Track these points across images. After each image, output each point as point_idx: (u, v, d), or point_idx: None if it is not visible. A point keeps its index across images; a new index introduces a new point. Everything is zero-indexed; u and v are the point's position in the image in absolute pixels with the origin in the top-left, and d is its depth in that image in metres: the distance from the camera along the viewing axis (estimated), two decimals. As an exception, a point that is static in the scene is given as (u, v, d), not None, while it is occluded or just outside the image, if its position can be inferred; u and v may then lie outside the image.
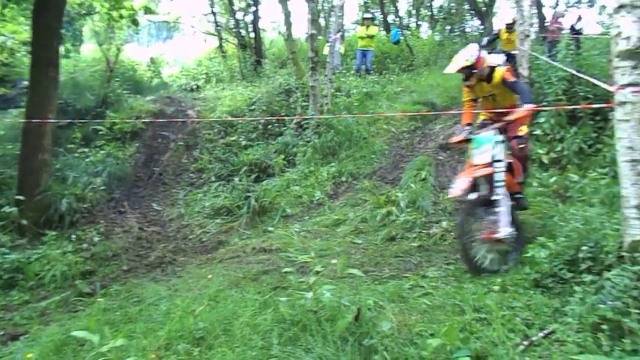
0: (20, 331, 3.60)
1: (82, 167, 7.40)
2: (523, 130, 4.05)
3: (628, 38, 2.79)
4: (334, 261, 3.57)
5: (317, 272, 3.14)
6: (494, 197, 3.83)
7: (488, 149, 3.93)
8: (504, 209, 3.81)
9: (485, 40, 8.09)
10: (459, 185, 3.85)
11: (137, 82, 12.56)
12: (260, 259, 4.38)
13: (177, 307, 3.18)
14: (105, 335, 2.42)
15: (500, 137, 3.99)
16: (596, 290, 2.78)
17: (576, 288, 2.85)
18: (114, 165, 7.64)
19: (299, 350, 2.45)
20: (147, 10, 12.31)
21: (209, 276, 4.06)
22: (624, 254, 2.72)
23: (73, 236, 5.60)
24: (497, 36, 8.37)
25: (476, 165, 3.97)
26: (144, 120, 8.68)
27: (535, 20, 11.09)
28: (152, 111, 9.81)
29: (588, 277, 2.88)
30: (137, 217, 6.53)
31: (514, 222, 3.94)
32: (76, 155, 7.75)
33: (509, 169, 4.02)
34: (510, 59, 7.17)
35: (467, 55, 4.16)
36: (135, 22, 11.21)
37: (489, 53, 6.07)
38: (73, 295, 4.22)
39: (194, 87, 12.98)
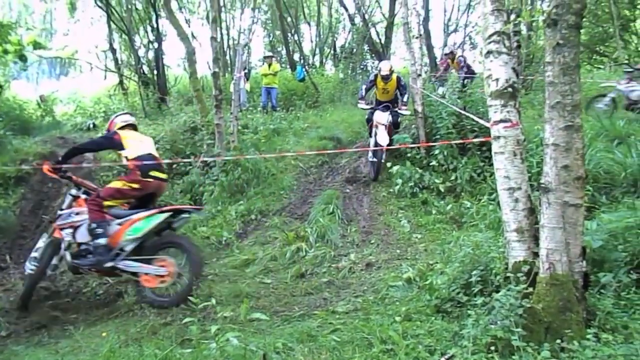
0: None
1: (-47, 219, 6.51)
2: None
3: (497, 80, 3.11)
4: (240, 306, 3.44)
5: (224, 319, 3.00)
6: None
7: None
8: None
9: (363, 89, 8.00)
10: None
11: (24, 122, 11.55)
12: (160, 311, 4.09)
13: (63, 373, 2.83)
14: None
15: None
16: (488, 311, 2.96)
17: (470, 311, 3.00)
18: (-6, 215, 6.82)
19: (200, 409, 2.28)
20: (37, 45, 11.52)
21: (103, 334, 3.69)
22: (509, 274, 2.93)
23: (-62, 300, 4.83)
24: (373, 84, 8.02)
25: None
26: (27, 167, 7.90)
27: (427, 60, 12.07)
28: (42, 153, 8.98)
29: (480, 299, 3.06)
30: (21, 272, 5.81)
31: None
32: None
33: None
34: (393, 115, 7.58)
35: None
36: (22, 58, 10.40)
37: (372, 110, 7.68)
38: None
39: (91, 125, 12.18)
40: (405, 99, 7.77)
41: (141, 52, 14.69)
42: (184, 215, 4.58)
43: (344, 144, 9.12)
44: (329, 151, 8.24)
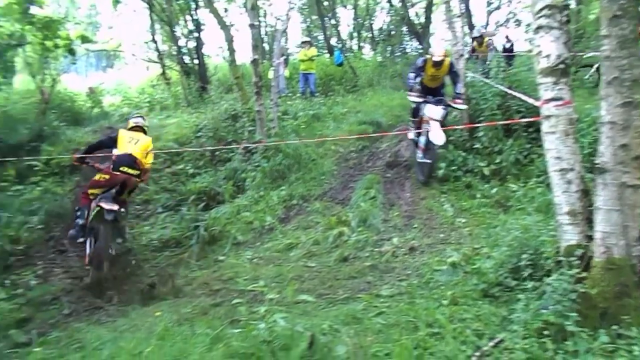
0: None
1: (16, 205, 6.94)
2: None
3: (548, 56, 2.99)
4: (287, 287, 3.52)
5: (270, 300, 3.07)
6: None
7: None
8: None
9: (412, 78, 6.66)
10: None
11: (75, 113, 12.06)
12: (211, 291, 4.24)
13: (122, 350, 3.00)
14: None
15: None
16: (538, 296, 2.90)
17: (520, 295, 2.95)
18: (52, 202, 7.22)
19: (252, 385, 2.37)
20: (84, 39, 11.97)
21: (157, 313, 3.88)
22: (561, 258, 2.85)
23: (7, 281, 5.19)
24: (422, 70, 6.72)
25: None
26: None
27: (469, 40, 11.69)
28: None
29: (530, 284, 3.00)
30: (79, 255, 6.16)
31: None
32: (9, 193, 7.26)
33: None
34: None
35: None
36: (71, 52, 10.87)
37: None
38: (6, 347, 3.88)
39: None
40: (459, 89, 6.65)
41: (182, 42, 14.96)
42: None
43: (384, 128, 9.03)
44: (369, 134, 8.18)
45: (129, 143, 5.47)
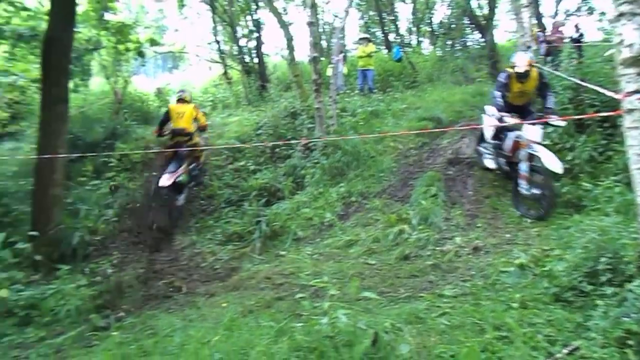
0: (37, 369, 3.58)
1: (93, 199, 7.48)
2: None
3: (631, 45, 2.78)
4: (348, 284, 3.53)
5: (332, 296, 3.10)
6: None
7: None
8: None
9: (498, 98, 5.68)
10: None
11: (145, 113, 12.73)
12: (274, 285, 4.34)
13: (192, 338, 3.15)
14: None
15: None
16: (619, 302, 2.72)
17: (598, 301, 2.79)
18: (125, 196, 7.71)
19: (317, 379, 2.41)
20: (153, 42, 12.61)
21: (223, 305, 4.03)
22: (644, 263, 2.66)
23: (86, 269, 5.61)
24: (506, 87, 5.78)
25: None
26: (152, 151, 8.76)
27: (537, 30, 11.11)
28: (161, 140, 9.92)
29: (609, 290, 2.82)
30: (149, 246, 6.53)
31: None
32: (87, 188, 7.84)
33: None
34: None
35: None
36: (141, 54, 11.50)
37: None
38: (88, 329, 4.20)
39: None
40: (551, 103, 5.64)
41: (242, 42, 15.39)
42: None
43: (444, 124, 8.79)
44: (429, 130, 7.99)
45: (177, 118, 7.17)
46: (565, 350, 2.59)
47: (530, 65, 5.67)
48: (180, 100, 7.45)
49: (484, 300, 3.45)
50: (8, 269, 4.93)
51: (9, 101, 11.65)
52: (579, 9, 17.71)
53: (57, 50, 6.35)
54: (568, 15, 18.52)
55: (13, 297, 4.55)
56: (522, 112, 5.83)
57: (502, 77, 5.84)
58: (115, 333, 3.82)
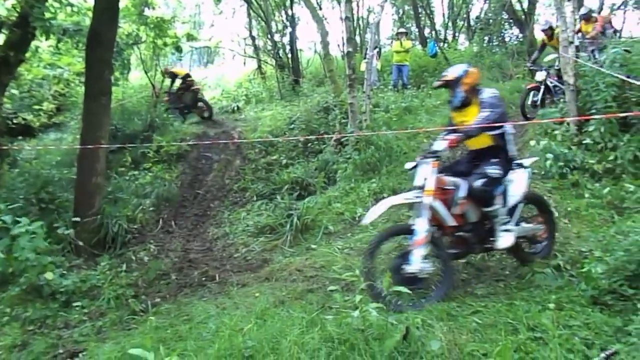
0: (79, 348, 3.77)
1: (132, 189, 7.74)
2: None
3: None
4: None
5: (363, 290, 3.12)
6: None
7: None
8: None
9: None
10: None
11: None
12: (305, 277, 4.40)
13: (225, 325, 3.23)
14: (160, 354, 2.49)
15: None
16: (662, 307, 2.63)
17: (639, 305, 2.70)
18: (161, 187, 7.94)
19: (347, 370, 2.44)
20: (190, 37, 12.88)
21: (256, 294, 4.11)
22: (691, 268, 2.56)
23: (125, 256, 5.84)
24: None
25: None
26: (188, 143, 8.99)
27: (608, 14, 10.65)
28: (196, 133, 10.17)
29: (652, 294, 2.73)
30: (184, 236, 6.72)
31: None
32: (126, 178, 8.12)
33: None
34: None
35: None
36: (178, 49, 11.77)
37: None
38: (126, 313, 4.38)
39: (235, 108, 13.33)
40: None
41: (276, 38, 15.52)
42: None
43: (480, 122, 8.61)
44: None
45: None
46: (603, 355, 2.53)
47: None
48: None
49: (518, 300, 3.39)
50: (52, 254, 5.17)
51: (54, 93, 12.15)
52: (625, 3, 16.90)
53: (101, 45, 6.58)
54: (614, 10, 17.74)
55: (57, 280, 4.77)
56: None
57: None
58: (152, 318, 3.97)
